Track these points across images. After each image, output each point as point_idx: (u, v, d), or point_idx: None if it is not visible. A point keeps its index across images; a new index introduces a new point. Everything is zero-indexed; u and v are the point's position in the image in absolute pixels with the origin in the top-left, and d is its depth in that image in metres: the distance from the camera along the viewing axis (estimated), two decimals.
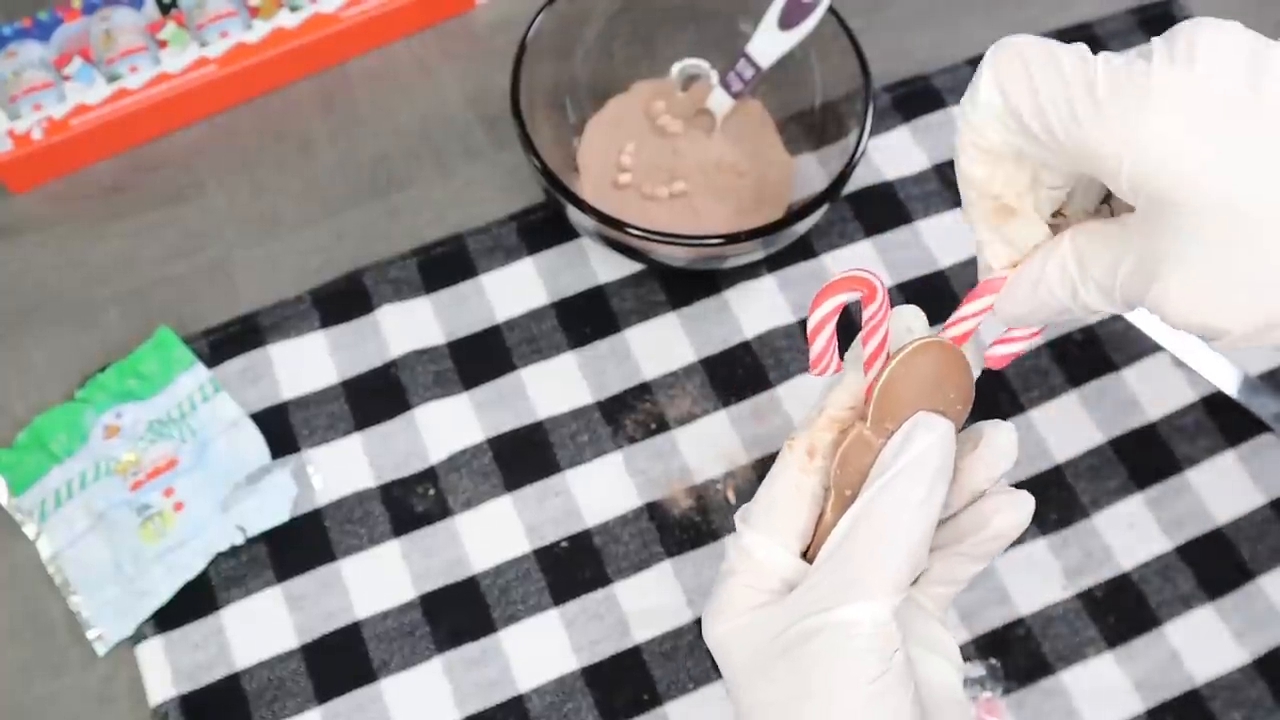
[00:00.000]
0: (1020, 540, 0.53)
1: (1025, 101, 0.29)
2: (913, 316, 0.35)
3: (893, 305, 0.34)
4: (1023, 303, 0.32)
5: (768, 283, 0.58)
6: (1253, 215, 0.26)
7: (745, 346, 0.57)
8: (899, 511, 0.31)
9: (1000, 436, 0.34)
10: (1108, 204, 0.34)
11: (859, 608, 0.31)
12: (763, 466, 0.54)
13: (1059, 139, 0.29)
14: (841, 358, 0.35)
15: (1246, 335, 0.28)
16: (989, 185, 0.31)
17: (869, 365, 0.33)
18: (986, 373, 0.51)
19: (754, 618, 0.33)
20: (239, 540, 0.51)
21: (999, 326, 0.34)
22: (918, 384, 0.33)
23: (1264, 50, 0.27)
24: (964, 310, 0.34)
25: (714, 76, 0.61)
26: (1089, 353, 0.57)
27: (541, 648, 0.50)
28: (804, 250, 0.59)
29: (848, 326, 0.53)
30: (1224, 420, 0.56)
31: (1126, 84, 0.27)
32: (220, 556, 0.51)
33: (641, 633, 0.51)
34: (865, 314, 0.33)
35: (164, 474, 0.52)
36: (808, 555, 0.34)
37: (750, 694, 0.33)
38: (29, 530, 0.52)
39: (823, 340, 0.34)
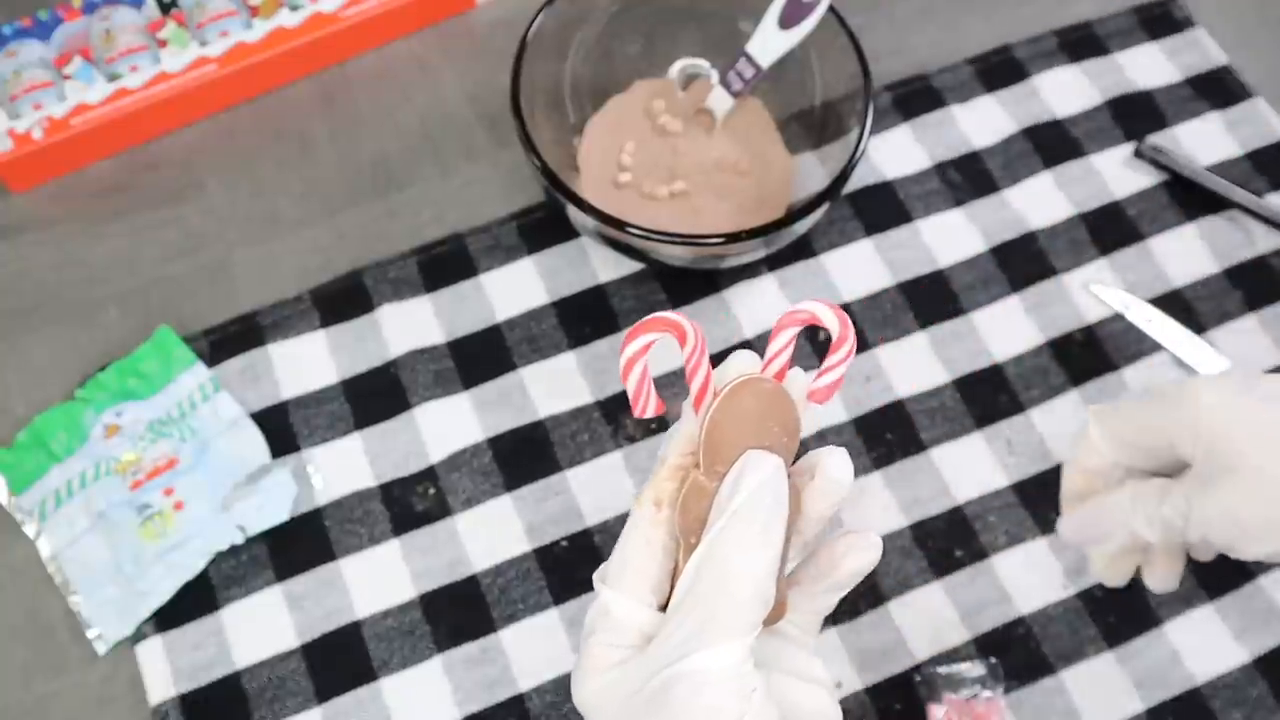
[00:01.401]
0: (1020, 540, 0.53)
1: (1125, 451, 0.43)
2: (747, 363, 0.34)
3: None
4: (1088, 521, 0.43)
5: (768, 282, 0.58)
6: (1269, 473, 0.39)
7: (745, 346, 0.57)
8: (738, 554, 0.31)
9: (832, 466, 0.34)
10: None
11: (710, 654, 0.31)
12: None
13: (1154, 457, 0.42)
14: (666, 400, 0.35)
15: (1262, 555, 0.40)
16: (1087, 489, 0.45)
17: (697, 407, 0.33)
18: (988, 371, 0.51)
19: (616, 675, 0.33)
20: (239, 540, 0.51)
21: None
22: (741, 423, 0.33)
23: (1256, 377, 0.41)
24: (772, 347, 0.34)
25: (714, 76, 0.61)
26: (1089, 353, 0.57)
27: (541, 647, 0.50)
28: (804, 250, 0.59)
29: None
30: None
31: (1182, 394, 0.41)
32: (220, 556, 0.51)
33: None
34: (683, 356, 0.33)
35: (164, 473, 0.52)
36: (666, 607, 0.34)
37: None
38: (29, 530, 0.52)
39: (634, 380, 0.33)
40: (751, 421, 0.33)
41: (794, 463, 0.34)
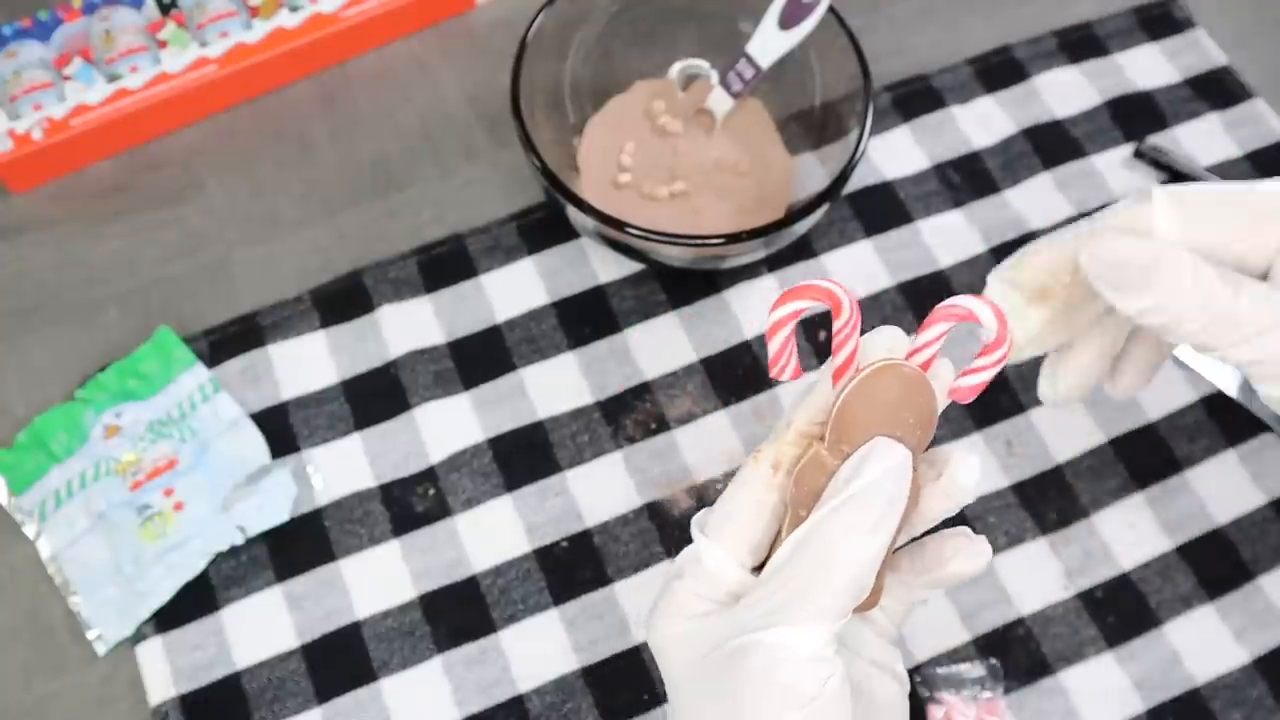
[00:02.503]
0: (1020, 540, 0.53)
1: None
2: (892, 339, 0.34)
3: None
4: (1129, 252, 0.34)
5: (768, 283, 0.58)
6: None
7: (745, 346, 0.57)
8: (845, 538, 0.31)
9: (963, 471, 0.33)
10: None
11: (794, 631, 0.30)
12: None
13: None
14: (807, 367, 0.34)
15: None
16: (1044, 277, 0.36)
17: (836, 380, 0.33)
18: None
19: (696, 625, 0.33)
20: (239, 540, 0.51)
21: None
22: (877, 406, 0.32)
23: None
24: (923, 337, 0.33)
25: (714, 76, 0.61)
26: None
27: (541, 648, 0.50)
28: (804, 250, 0.59)
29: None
30: (1224, 420, 0.56)
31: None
32: (220, 556, 0.51)
33: (641, 632, 0.51)
34: (834, 327, 0.33)
35: (164, 474, 0.52)
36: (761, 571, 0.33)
37: (686, 700, 0.33)
38: (29, 530, 0.52)
39: (778, 342, 0.33)
40: (888, 406, 0.32)
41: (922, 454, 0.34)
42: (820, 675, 0.30)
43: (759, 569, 0.33)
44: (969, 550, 0.34)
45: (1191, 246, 0.34)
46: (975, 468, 0.34)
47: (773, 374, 0.33)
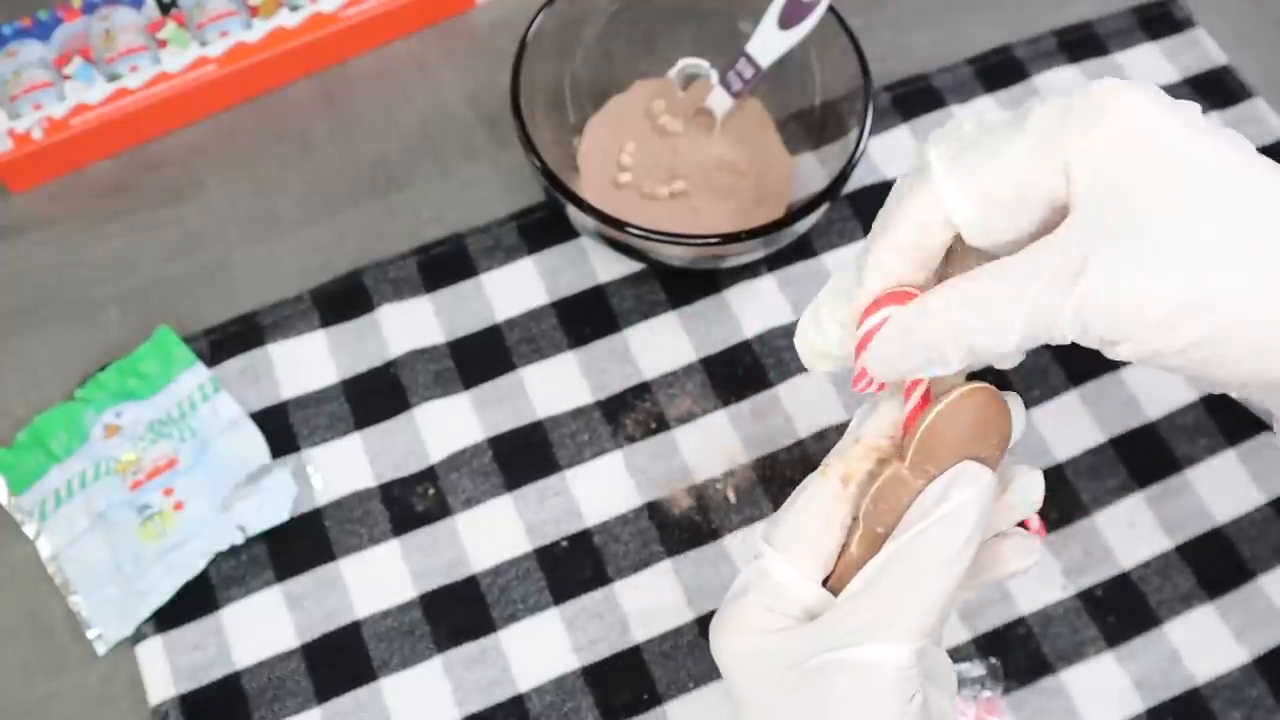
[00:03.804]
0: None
1: (980, 206, 0.29)
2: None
3: None
4: (920, 328, 0.31)
5: (768, 282, 0.58)
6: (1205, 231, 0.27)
7: (745, 346, 0.57)
8: (935, 559, 0.31)
9: (1033, 489, 0.34)
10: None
11: (885, 649, 0.30)
12: (763, 466, 0.54)
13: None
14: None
15: (1152, 353, 0.28)
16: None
17: (909, 394, 0.33)
18: (987, 372, 0.50)
19: (770, 642, 0.32)
20: (239, 540, 0.51)
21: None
22: (962, 430, 0.32)
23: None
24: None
25: (714, 76, 0.61)
26: (1089, 352, 0.57)
27: (541, 647, 0.50)
28: (804, 250, 0.59)
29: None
30: (1224, 420, 0.56)
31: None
32: (220, 556, 0.51)
33: (641, 632, 0.51)
34: None
35: (164, 473, 0.52)
36: (827, 585, 0.33)
37: (762, 717, 0.33)
38: (29, 530, 0.52)
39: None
40: (973, 430, 0.32)
41: None
42: (908, 692, 0.31)
43: (823, 583, 0.34)
44: (1025, 548, 0.35)
45: (984, 206, 0.30)
46: (1042, 486, 0.34)
47: (858, 388, 0.33)
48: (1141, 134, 0.28)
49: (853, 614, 0.31)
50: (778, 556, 0.33)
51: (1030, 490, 0.34)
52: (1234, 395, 0.55)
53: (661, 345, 0.57)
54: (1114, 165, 0.28)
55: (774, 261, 0.59)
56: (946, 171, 0.30)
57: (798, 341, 0.35)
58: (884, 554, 0.31)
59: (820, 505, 0.33)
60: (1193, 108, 0.29)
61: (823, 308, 0.34)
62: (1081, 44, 0.66)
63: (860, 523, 0.33)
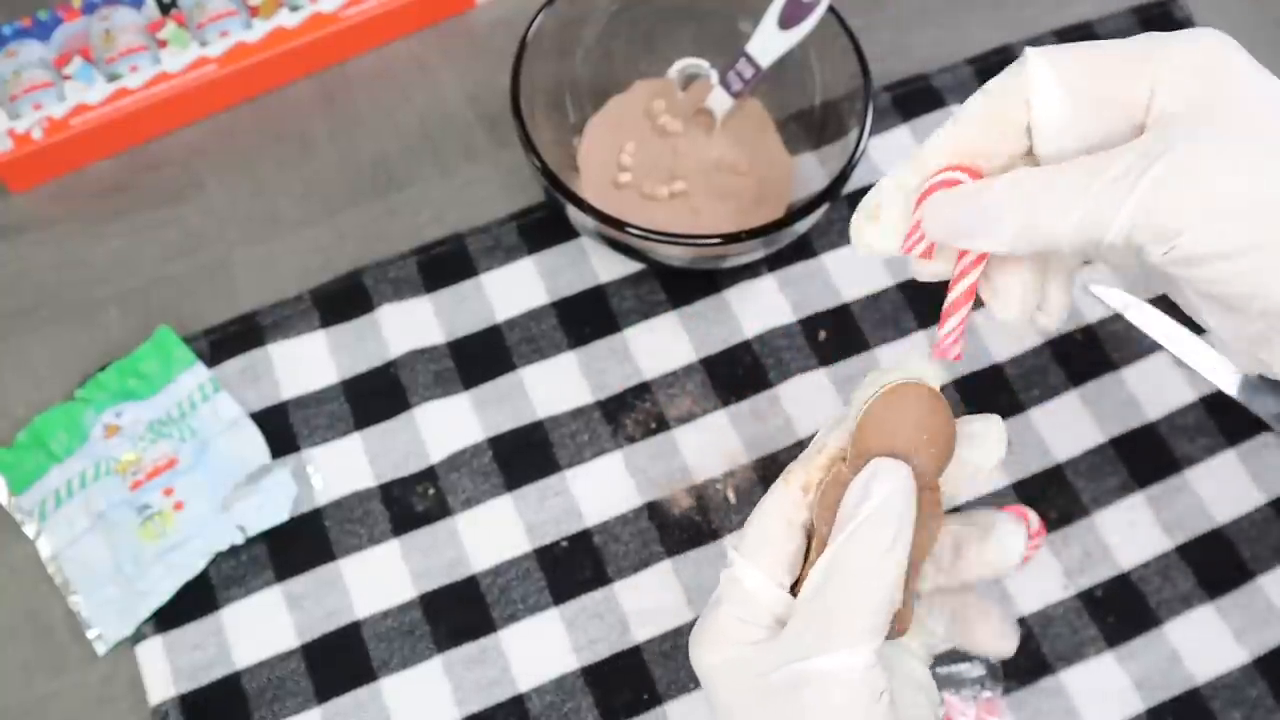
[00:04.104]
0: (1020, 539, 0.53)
1: (1075, 105, 0.32)
2: (926, 367, 0.35)
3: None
4: (976, 197, 0.32)
5: (768, 282, 0.58)
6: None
7: (745, 346, 0.57)
8: (868, 559, 0.32)
9: (1014, 546, 0.36)
10: None
11: (841, 656, 0.31)
12: (763, 466, 0.54)
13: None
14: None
15: (1214, 248, 0.29)
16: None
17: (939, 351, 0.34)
18: (988, 372, 0.51)
19: (742, 653, 0.33)
20: (239, 540, 0.51)
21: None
22: (894, 425, 0.33)
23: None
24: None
25: (714, 76, 0.61)
26: (1089, 352, 0.57)
27: (541, 647, 0.50)
28: (804, 250, 0.59)
29: (848, 340, 0.53)
30: (1224, 420, 0.56)
31: None
32: (220, 556, 0.51)
33: (641, 632, 0.51)
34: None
35: (164, 473, 0.52)
36: (795, 589, 0.34)
37: None
38: (29, 530, 0.52)
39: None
40: (905, 425, 0.33)
41: (939, 480, 0.34)
42: (875, 693, 0.31)
43: (795, 587, 0.34)
44: (1002, 633, 0.38)
45: (1072, 99, 0.32)
46: (1021, 538, 0.36)
47: (908, 245, 0.33)
48: (1223, 65, 0.31)
49: (807, 624, 0.32)
50: (746, 563, 0.34)
51: (1015, 549, 0.35)
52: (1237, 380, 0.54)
53: (661, 345, 0.57)
54: (1198, 85, 0.30)
55: (774, 261, 0.59)
56: (1042, 57, 0.32)
57: (853, 230, 0.35)
58: (823, 561, 0.32)
59: (782, 511, 0.34)
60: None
61: (884, 192, 0.34)
62: None
63: (815, 525, 0.34)
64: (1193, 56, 0.31)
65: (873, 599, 0.32)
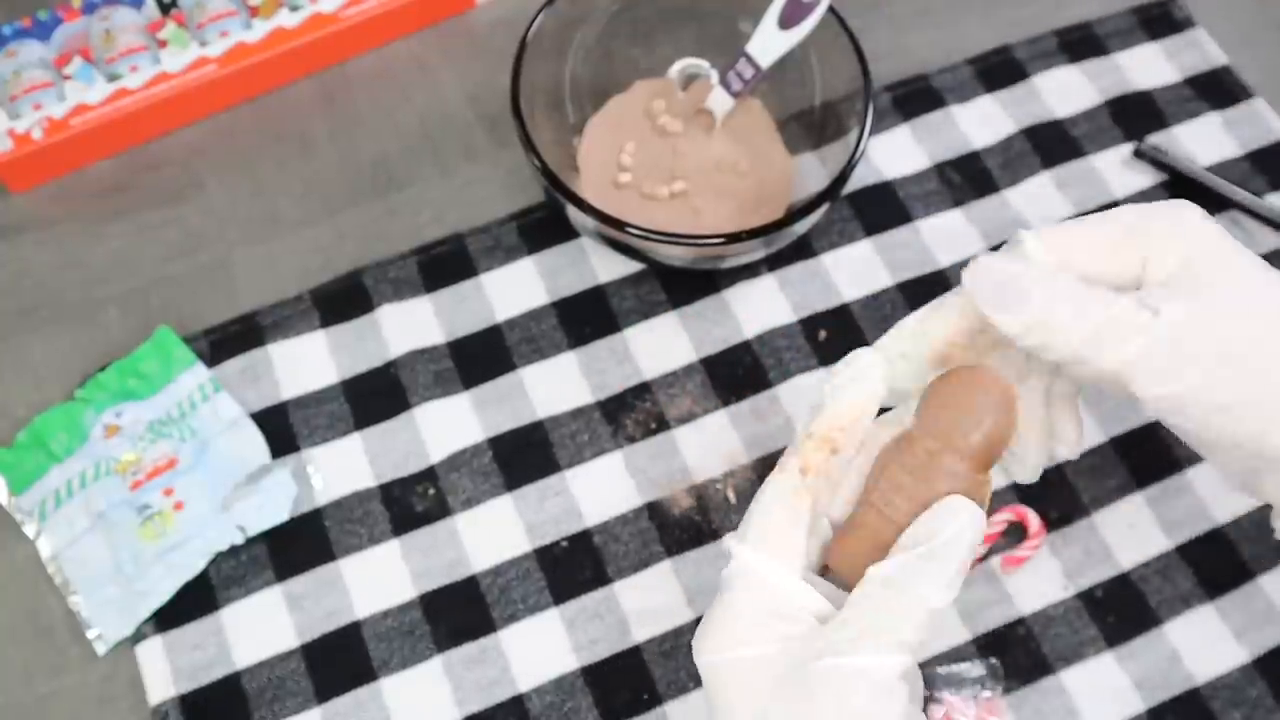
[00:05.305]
0: (1020, 539, 0.53)
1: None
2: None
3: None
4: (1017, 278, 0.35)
5: (768, 282, 0.58)
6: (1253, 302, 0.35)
7: (745, 346, 0.57)
8: (929, 587, 0.33)
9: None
10: None
11: (884, 659, 0.32)
12: (763, 466, 0.54)
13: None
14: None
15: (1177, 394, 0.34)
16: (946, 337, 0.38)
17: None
18: None
19: (768, 646, 0.33)
20: (239, 540, 0.51)
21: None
22: (964, 406, 0.35)
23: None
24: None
25: (714, 76, 0.61)
26: None
27: (541, 647, 0.50)
28: (804, 250, 0.59)
29: (851, 334, 0.53)
30: None
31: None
32: (220, 556, 0.51)
33: (641, 632, 0.51)
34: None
35: (164, 473, 0.52)
36: (827, 574, 0.35)
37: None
38: (29, 530, 0.52)
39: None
40: (976, 411, 0.35)
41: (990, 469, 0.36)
42: (905, 695, 0.32)
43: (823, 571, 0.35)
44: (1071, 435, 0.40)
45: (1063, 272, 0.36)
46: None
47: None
48: (1202, 242, 0.36)
49: (852, 622, 0.33)
50: (755, 553, 0.34)
51: (1066, 429, 0.39)
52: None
53: (661, 345, 0.57)
54: (1182, 260, 0.35)
55: (774, 261, 0.59)
56: (1037, 239, 0.36)
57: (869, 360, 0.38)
58: (883, 573, 0.33)
59: (784, 500, 0.35)
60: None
61: (901, 341, 0.39)
62: (1081, 44, 0.66)
63: (868, 481, 0.35)
64: (1177, 241, 0.36)
65: (925, 618, 0.33)
